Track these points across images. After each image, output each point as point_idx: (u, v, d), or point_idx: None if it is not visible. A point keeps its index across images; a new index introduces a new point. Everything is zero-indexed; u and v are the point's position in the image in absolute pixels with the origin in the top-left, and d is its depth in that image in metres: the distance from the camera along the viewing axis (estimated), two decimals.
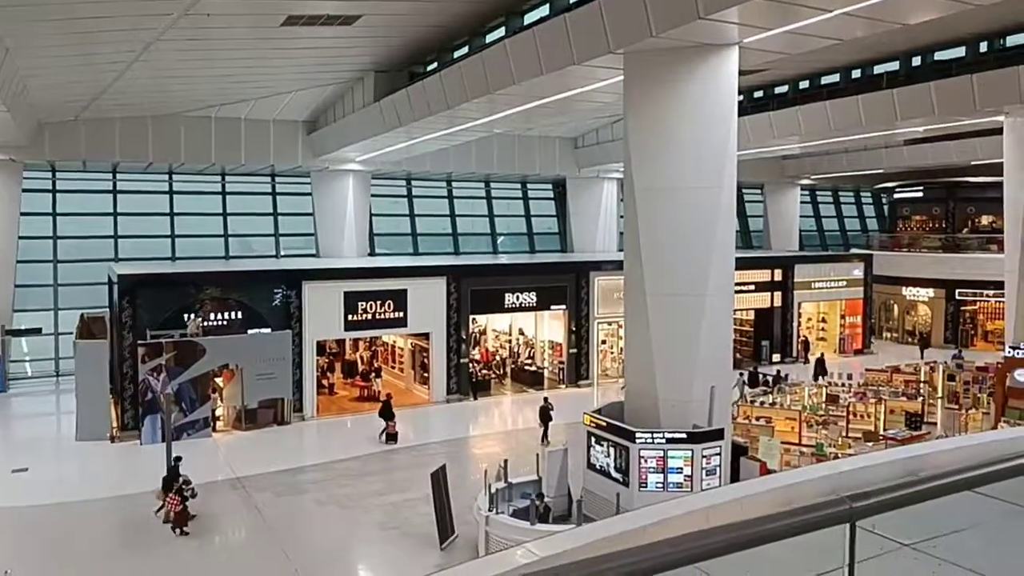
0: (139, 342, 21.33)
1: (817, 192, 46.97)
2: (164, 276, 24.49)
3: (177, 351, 21.48)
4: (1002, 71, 18.97)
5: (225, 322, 23.01)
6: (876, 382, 22.28)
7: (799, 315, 32.89)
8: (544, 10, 16.81)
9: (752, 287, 31.33)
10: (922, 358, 29.37)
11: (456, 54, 20.78)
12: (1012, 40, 20.54)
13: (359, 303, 25.16)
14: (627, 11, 12.67)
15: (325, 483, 17.64)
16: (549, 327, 30.06)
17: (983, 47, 20.94)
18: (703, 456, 12.50)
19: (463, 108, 20.21)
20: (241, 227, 33.96)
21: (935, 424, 20.53)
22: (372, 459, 19.68)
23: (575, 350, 28.44)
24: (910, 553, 3.49)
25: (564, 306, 28.46)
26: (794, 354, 31.99)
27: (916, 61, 22.90)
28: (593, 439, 13.83)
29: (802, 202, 45.23)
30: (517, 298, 27.93)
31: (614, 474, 13.24)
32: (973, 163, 31.76)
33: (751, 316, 32.44)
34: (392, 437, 21.05)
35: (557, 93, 17.76)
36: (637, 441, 12.71)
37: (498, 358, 30.44)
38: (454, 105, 20.11)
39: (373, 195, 34.83)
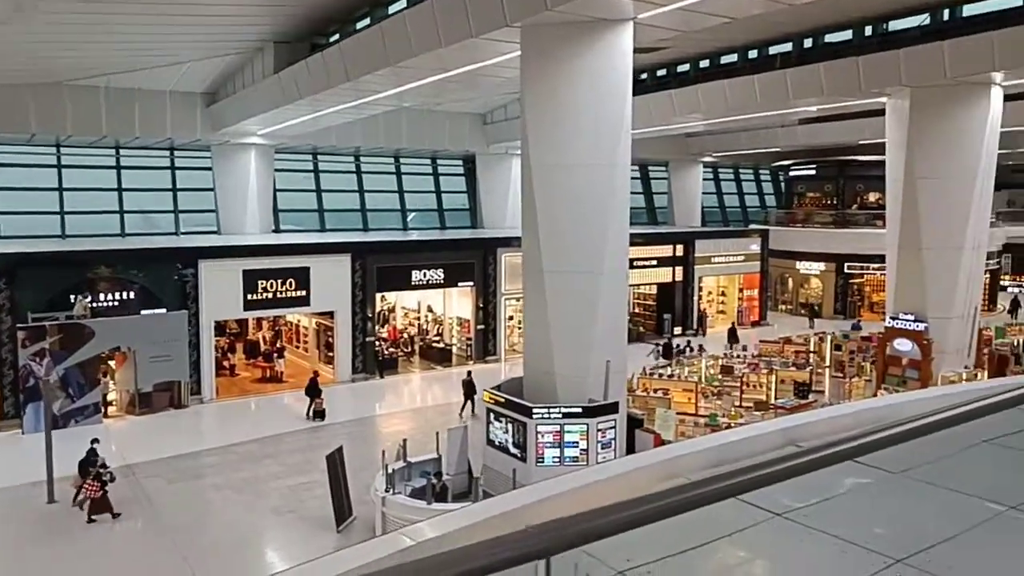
0: (19, 325, 20.07)
1: (719, 170, 48.41)
2: (47, 255, 23.00)
3: (63, 334, 20.34)
4: (884, 54, 19.83)
5: (117, 303, 21.93)
6: (769, 353, 23.26)
7: (700, 289, 33.92)
8: None
9: (655, 262, 32.10)
10: (811, 327, 30.94)
11: (359, 25, 20.21)
12: (894, 25, 21.48)
13: (259, 281, 24.42)
14: None
15: (222, 467, 17.13)
16: (458, 304, 29.99)
17: (868, 31, 21.82)
18: (598, 430, 12.73)
19: (364, 80, 19.75)
20: (140, 203, 32.29)
21: (822, 392, 21.57)
22: (272, 441, 19.22)
23: (483, 326, 28.50)
24: (782, 523, 3.54)
25: (472, 283, 28.43)
26: (694, 326, 33.01)
27: (808, 43, 23.69)
28: (492, 415, 13.87)
29: (705, 179, 46.55)
30: (424, 275, 27.71)
31: (512, 450, 13.34)
32: (861, 142, 33.32)
33: (654, 290, 33.23)
34: (320, 414, 20.95)
35: (458, 66, 17.53)
36: (534, 416, 12.84)
37: (406, 336, 30.17)
38: (354, 77, 19.62)
39: (278, 170, 33.76)
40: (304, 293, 25.21)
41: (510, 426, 13.36)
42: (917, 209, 19.54)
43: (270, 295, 24.65)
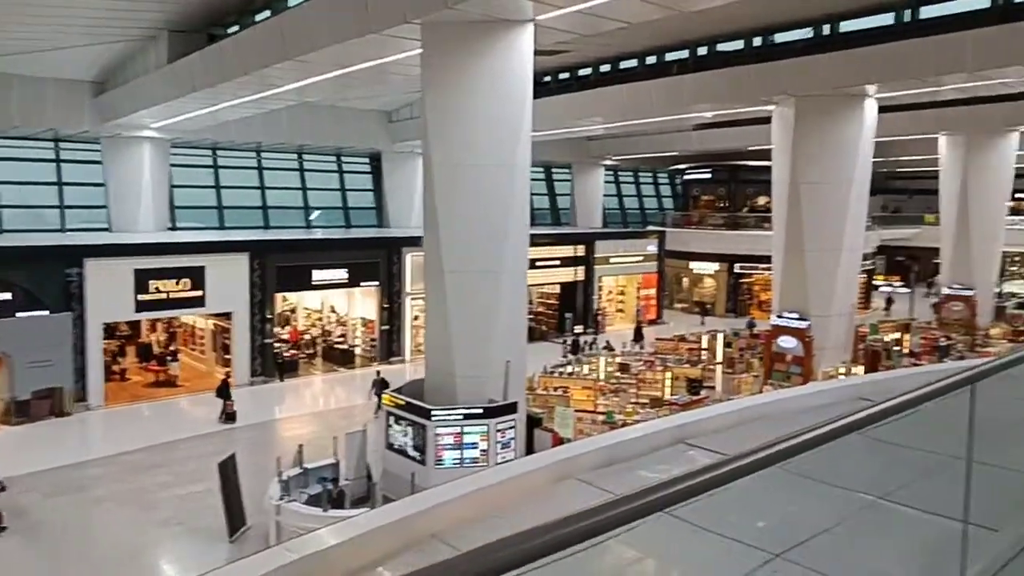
0: None
1: (620, 172, 49.64)
2: None
3: None
4: (771, 64, 20.85)
5: None
6: (664, 351, 24.05)
7: (600, 288, 34.70)
8: None
9: (557, 262, 32.62)
10: (702, 325, 32.23)
11: (259, 17, 19.61)
12: (781, 37, 22.63)
13: (151, 281, 23.35)
14: None
15: (106, 479, 16.25)
16: (362, 304, 29.55)
17: (758, 42, 22.89)
18: (498, 430, 12.84)
19: (262, 74, 19.16)
20: (23, 198, 30.18)
21: (714, 388, 22.50)
22: (164, 449, 18.40)
23: (387, 327, 28.20)
24: (667, 519, 3.69)
25: (376, 282, 28.07)
26: (594, 326, 33.75)
27: (703, 51, 24.63)
28: (392, 419, 13.76)
29: (607, 182, 47.66)
30: (327, 275, 27.24)
31: (412, 453, 13.28)
32: (751, 148, 34.88)
33: (557, 290, 33.76)
34: (231, 416, 20.43)
35: (359, 62, 17.25)
36: (433, 419, 12.82)
37: (307, 337, 29.49)
38: (251, 71, 19.02)
39: (174, 165, 32.34)
40: (199, 293, 24.28)
41: (410, 429, 13.29)
42: (800, 213, 20.66)
43: (163, 296, 23.62)
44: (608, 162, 44.91)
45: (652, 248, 36.26)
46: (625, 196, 50.45)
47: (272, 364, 25.66)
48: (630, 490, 1.74)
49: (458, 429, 12.84)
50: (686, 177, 47.57)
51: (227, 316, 25.31)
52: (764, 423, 10.29)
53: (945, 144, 30.12)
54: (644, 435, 8.93)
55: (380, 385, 20.84)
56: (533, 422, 15.05)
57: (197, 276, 24.11)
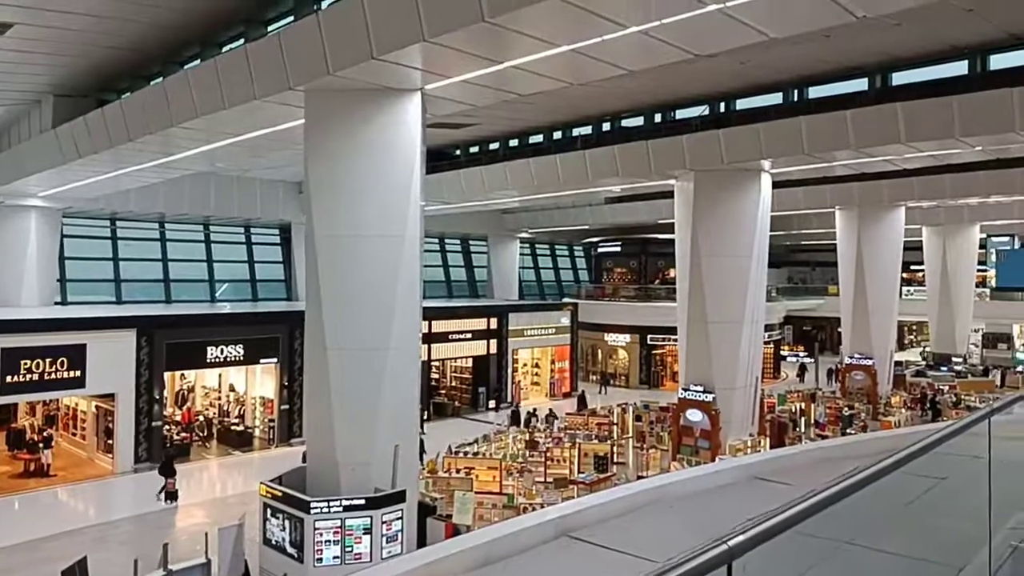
0: None
1: (536, 245, 50.00)
2: None
3: None
4: (670, 139, 21.25)
5: None
6: (575, 425, 23.46)
7: (515, 361, 34.15)
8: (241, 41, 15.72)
9: (469, 335, 31.99)
10: (602, 394, 31.90)
11: (153, 83, 18.82)
12: (681, 114, 23.24)
13: (22, 361, 21.45)
14: (306, 46, 12.15)
15: None
16: (261, 382, 28.02)
17: (658, 118, 23.43)
18: (383, 522, 11.83)
19: (147, 141, 18.28)
20: None
21: (625, 464, 21.95)
22: (25, 549, 16.38)
23: (287, 406, 26.70)
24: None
25: (275, 359, 26.68)
26: (509, 399, 33.00)
27: (607, 127, 25.08)
28: (269, 511, 12.56)
29: (524, 254, 47.88)
30: (222, 352, 25.69)
31: (289, 549, 12.07)
32: (659, 221, 35.55)
33: (469, 364, 33.02)
34: (172, 496, 19.43)
35: (248, 130, 16.64)
36: (312, 511, 11.71)
37: (201, 418, 27.65)
38: (136, 137, 18.15)
39: (67, 236, 30.60)
40: (78, 373, 22.44)
41: (287, 523, 12.12)
42: (702, 285, 20.76)
43: (36, 376, 21.70)
44: (524, 235, 45.18)
45: (565, 320, 36.10)
46: (542, 268, 50.75)
47: (160, 449, 23.75)
48: None
49: (339, 522, 11.75)
50: (599, 250, 48.25)
51: (111, 397, 23.46)
52: (656, 511, 9.66)
53: (840, 218, 31.34)
54: (523, 529, 8.19)
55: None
56: (426, 510, 14.04)
57: (76, 355, 22.34)
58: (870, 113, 17.29)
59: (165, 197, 30.85)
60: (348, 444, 12.36)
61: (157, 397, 23.96)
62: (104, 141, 19.39)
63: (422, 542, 13.02)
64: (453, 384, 33.65)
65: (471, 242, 46.40)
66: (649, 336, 36.84)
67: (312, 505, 11.73)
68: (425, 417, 29.80)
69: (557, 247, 51.71)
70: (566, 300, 40.61)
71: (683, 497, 9.92)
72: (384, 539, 11.82)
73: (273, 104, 13.76)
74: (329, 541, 11.66)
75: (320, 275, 12.59)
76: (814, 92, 19.97)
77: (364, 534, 11.74)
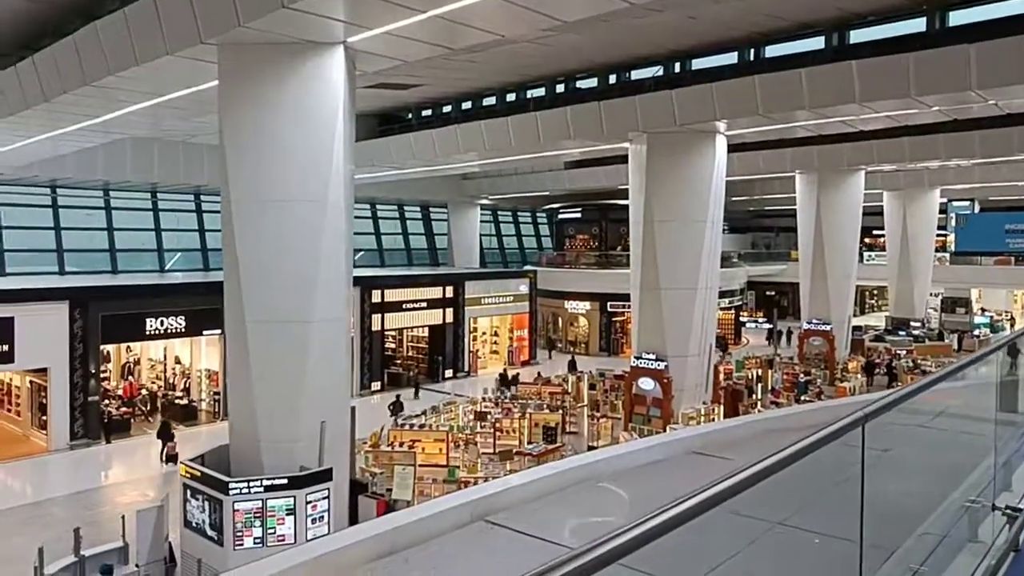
0: None
1: (499, 212, 49.11)
2: None
3: None
4: (623, 100, 20.49)
5: None
6: (527, 395, 22.96)
7: (472, 330, 33.53)
8: None
9: (425, 304, 31.27)
10: (550, 358, 31.34)
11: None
12: (636, 75, 22.45)
13: None
14: None
15: None
16: (207, 354, 27.10)
17: (613, 79, 22.62)
18: (308, 502, 11.19)
19: (64, 102, 17.08)
20: None
21: (578, 433, 21.55)
22: None
23: None
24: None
25: (220, 330, 25.67)
26: (466, 368, 32.44)
27: (560, 88, 24.21)
28: (189, 492, 11.86)
29: (486, 221, 47.00)
30: (162, 323, 24.68)
31: (209, 532, 11.40)
32: (619, 187, 34.90)
33: (425, 333, 32.35)
34: (172, 459, 19.68)
35: (168, 90, 15.58)
36: (231, 492, 11.03)
37: (144, 392, 26.72)
38: (52, 97, 16.93)
39: (5, 204, 29.26)
40: (6, 348, 21.39)
41: (207, 504, 11.43)
42: (655, 251, 20.20)
43: None
44: (485, 201, 44.28)
45: (524, 288, 35.47)
46: (505, 236, 49.94)
47: (97, 424, 22.85)
48: None
49: (260, 503, 11.09)
50: (560, 216, 47.58)
51: (43, 372, 22.44)
52: (584, 490, 9.08)
53: (800, 182, 30.96)
54: (434, 514, 7.55)
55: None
56: (358, 488, 13.43)
57: (3, 328, 21.27)
58: (824, 71, 16.69)
59: (105, 164, 29.47)
60: (271, 421, 11.66)
61: (93, 371, 22.97)
62: (20, 101, 18.18)
63: (354, 521, 12.43)
64: (410, 354, 32.98)
65: (431, 209, 45.42)
66: (609, 303, 36.37)
67: (231, 486, 11.05)
68: (379, 387, 29.31)
69: (520, 214, 50.89)
70: (526, 268, 39.95)
71: (614, 475, 9.38)
72: (309, 519, 11.19)
73: (187, 60, 12.75)
74: (249, 523, 10.99)
75: (237, 243, 11.76)
76: (771, 51, 19.33)
77: (287, 515, 11.10)
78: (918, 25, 17.03)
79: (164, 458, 20.33)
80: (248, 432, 11.85)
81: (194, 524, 11.76)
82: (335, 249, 11.96)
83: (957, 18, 16.70)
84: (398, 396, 24.78)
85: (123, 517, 12.13)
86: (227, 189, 11.90)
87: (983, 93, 15.35)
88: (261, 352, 11.69)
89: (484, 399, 22.02)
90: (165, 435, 20.91)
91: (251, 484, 11.06)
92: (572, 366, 29.20)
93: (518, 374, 28.65)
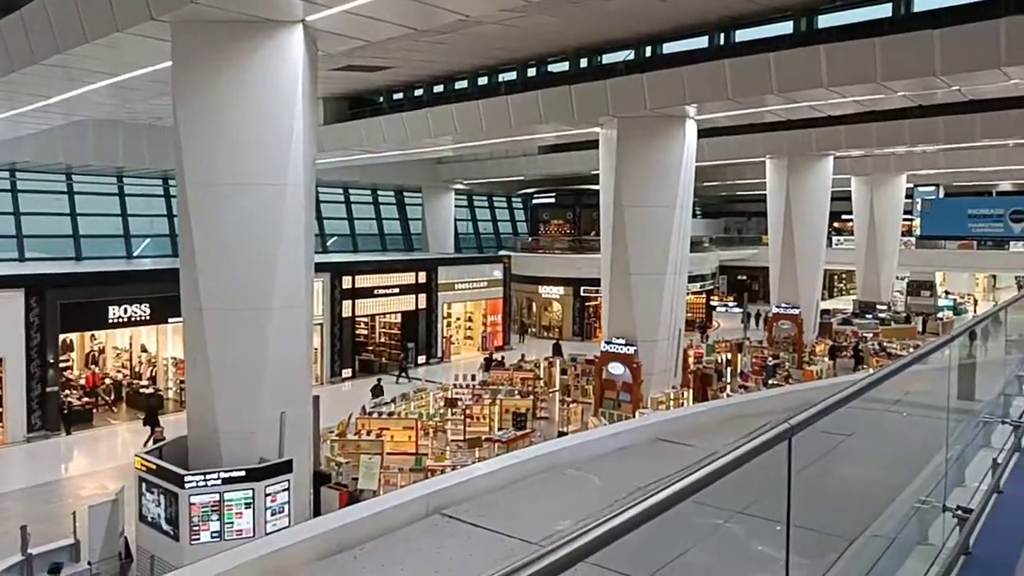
0: None
1: (474, 197, 48.78)
2: None
3: None
4: (593, 84, 20.29)
5: None
6: (499, 381, 22.82)
7: (445, 316, 33.33)
8: None
9: (397, 290, 30.97)
10: (522, 342, 30.98)
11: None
12: (608, 59, 22.24)
13: None
14: None
15: None
16: (173, 343, 26.58)
17: (584, 63, 22.39)
18: (267, 494, 10.95)
19: (12, 81, 16.51)
20: None
21: (549, 419, 21.46)
22: None
23: None
24: None
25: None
26: (439, 354, 32.24)
27: (532, 72, 23.92)
28: (144, 485, 11.57)
29: (461, 206, 46.65)
30: (125, 311, 24.15)
31: (165, 527, 11.13)
32: (593, 172, 34.74)
33: (398, 319, 32.06)
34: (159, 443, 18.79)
35: (124, 70, 15.10)
36: (187, 485, 10.76)
37: (108, 381, 26.18)
38: (1, 76, 16.34)
39: None
40: None
41: (162, 498, 11.15)
42: (625, 236, 20.10)
43: None
44: (459, 186, 43.93)
45: (498, 273, 35.27)
46: (480, 221, 49.63)
47: (57, 415, 22.33)
48: None
49: (218, 496, 10.84)
50: (534, 201, 47.38)
51: None
52: (545, 480, 8.92)
53: (770, 167, 31.03)
54: (387, 509, 7.34)
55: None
56: (321, 479, 13.22)
57: None
58: (793, 56, 16.62)
59: (66, 147, 28.75)
60: (229, 412, 11.39)
61: (52, 361, 22.42)
62: None
63: (317, 513, 12.23)
64: (382, 340, 32.68)
65: (406, 194, 44.97)
66: (583, 288, 36.31)
67: (187, 479, 10.78)
68: (350, 375, 29.02)
69: (496, 199, 50.57)
70: (500, 253, 39.74)
71: (577, 463, 9.23)
72: (269, 512, 10.97)
73: (138, 38, 12.31)
74: (206, 516, 10.74)
75: (193, 228, 11.42)
76: (741, 36, 19.22)
77: (246, 508, 10.86)
78: (885, 10, 17.04)
79: (152, 443, 19.66)
80: (206, 423, 11.57)
81: (149, 519, 11.48)
82: (295, 234, 11.66)
83: (922, 4, 16.71)
84: (379, 380, 24.75)
85: (74, 513, 11.80)
86: (182, 173, 11.54)
87: (947, 79, 15.37)
88: (219, 340, 11.40)
89: (455, 385, 21.85)
90: (152, 421, 20.66)
91: (208, 477, 10.79)
92: (557, 349, 29.20)
93: (504, 357, 28.74)
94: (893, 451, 3.52)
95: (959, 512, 3.14)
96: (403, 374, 28.17)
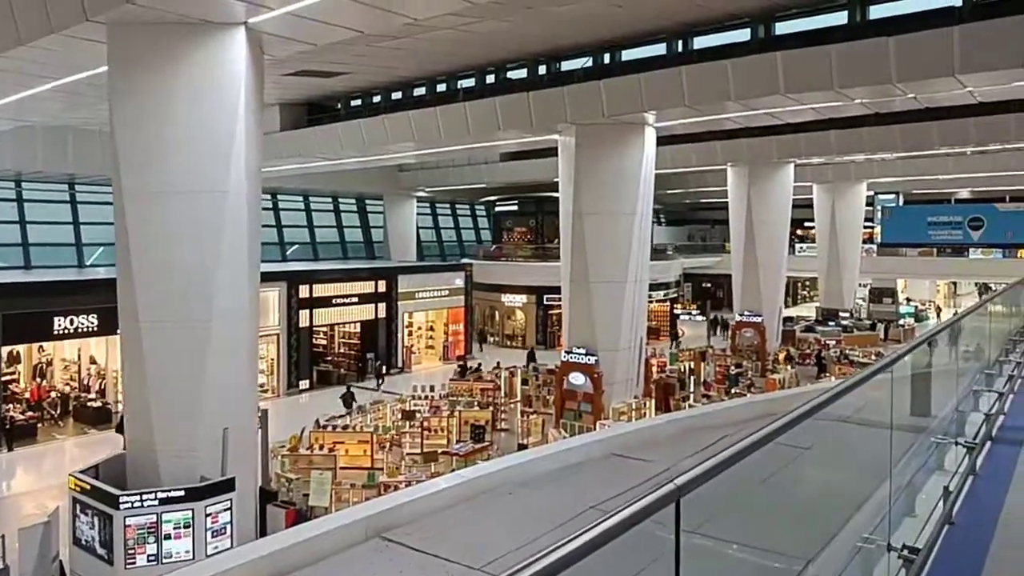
0: None
1: (437, 205, 48.40)
2: None
3: None
4: (551, 91, 20.11)
5: None
6: (458, 392, 22.44)
7: (407, 325, 32.86)
8: None
9: (356, 299, 30.44)
10: (480, 349, 30.28)
11: None
12: (566, 65, 22.08)
13: None
14: None
15: None
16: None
17: (543, 70, 22.21)
18: (207, 515, 10.47)
19: None
20: None
21: (510, 430, 21.13)
22: None
23: None
24: None
25: None
26: (400, 364, 31.76)
27: (491, 79, 23.68)
28: (78, 507, 11.00)
29: (424, 214, 46.23)
30: (72, 322, 23.35)
31: (99, 550, 10.59)
32: (554, 179, 34.60)
33: (357, 329, 31.53)
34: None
35: (62, 74, 14.52)
36: (122, 506, 10.23)
37: (54, 394, 25.28)
38: None
39: None
40: None
41: (96, 520, 10.61)
42: (584, 244, 19.91)
43: None
44: (421, 193, 43.54)
45: (459, 282, 34.91)
46: (443, 228, 49.25)
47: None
48: None
49: (155, 517, 10.33)
50: (497, 209, 47.19)
51: None
52: (492, 500, 8.58)
53: (731, 175, 31.15)
54: (326, 532, 6.99)
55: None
56: (267, 496, 12.74)
57: None
58: (750, 63, 16.60)
59: (13, 153, 27.86)
60: (168, 429, 10.89)
61: None
62: None
63: (264, 533, 11.75)
64: (341, 351, 32.10)
65: (367, 201, 44.44)
66: (546, 296, 36.07)
67: (122, 499, 10.26)
68: (307, 386, 28.41)
69: (459, 207, 50.25)
70: (462, 261, 39.41)
71: (526, 482, 8.90)
72: (209, 533, 10.48)
73: (76, 39, 11.80)
74: (142, 539, 10.22)
75: (129, 237, 10.92)
76: (699, 43, 19.19)
77: (185, 529, 10.37)
78: (841, 18, 17.12)
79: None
80: (145, 440, 11.05)
81: (83, 542, 10.91)
82: (237, 243, 11.21)
83: (877, 11, 16.82)
84: (349, 387, 24.28)
85: (2, 536, 11.18)
86: (119, 179, 11.04)
87: (902, 86, 15.44)
88: (157, 354, 10.90)
89: (413, 397, 21.40)
90: (122, 430, 19.98)
91: (144, 497, 10.28)
92: (531, 357, 28.88)
93: (480, 364, 28.41)
94: (836, 481, 3.25)
95: (906, 553, 2.86)
96: (381, 380, 27.83)
